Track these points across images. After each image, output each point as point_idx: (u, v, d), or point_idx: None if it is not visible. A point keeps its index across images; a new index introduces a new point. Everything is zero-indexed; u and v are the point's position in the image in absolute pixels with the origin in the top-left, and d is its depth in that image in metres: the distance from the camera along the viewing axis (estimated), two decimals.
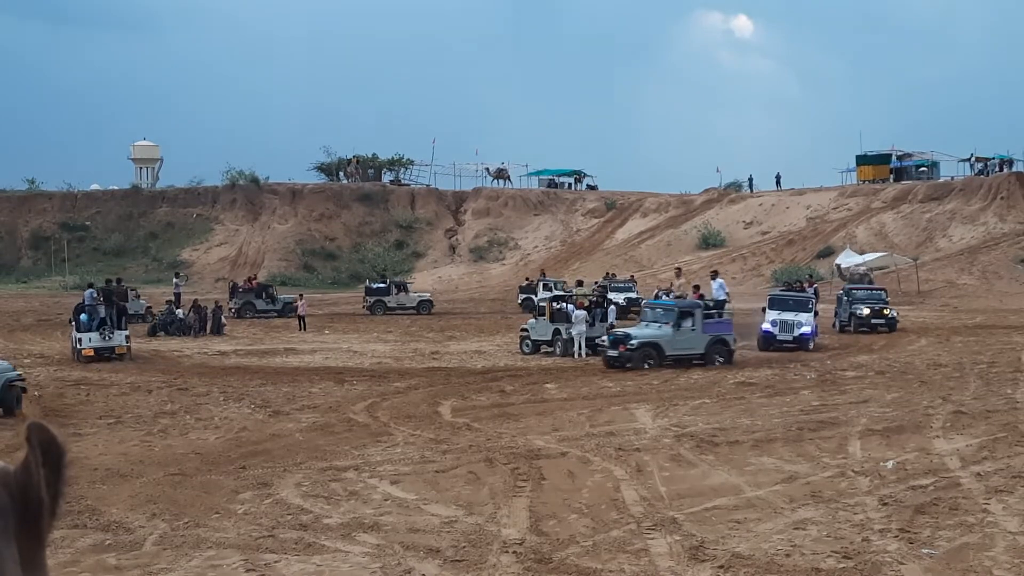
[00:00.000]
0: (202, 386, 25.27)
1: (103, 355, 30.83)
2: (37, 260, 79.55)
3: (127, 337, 32.16)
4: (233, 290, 52.55)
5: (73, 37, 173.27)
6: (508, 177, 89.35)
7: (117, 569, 11.09)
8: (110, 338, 31.33)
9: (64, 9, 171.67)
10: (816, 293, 40.70)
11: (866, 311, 38.93)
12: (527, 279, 59.85)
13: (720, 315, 29.83)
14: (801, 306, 34.28)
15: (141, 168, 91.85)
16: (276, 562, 11.36)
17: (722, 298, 31.01)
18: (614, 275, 55.97)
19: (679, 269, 42.95)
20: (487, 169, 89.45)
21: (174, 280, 52.70)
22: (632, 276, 56.85)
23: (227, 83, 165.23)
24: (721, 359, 29.03)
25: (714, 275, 34.26)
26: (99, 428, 19.70)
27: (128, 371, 28.44)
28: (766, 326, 33.38)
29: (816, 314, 34.77)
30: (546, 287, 49.27)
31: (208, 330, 39.99)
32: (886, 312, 39.28)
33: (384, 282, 55.25)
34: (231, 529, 12.58)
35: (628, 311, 42.84)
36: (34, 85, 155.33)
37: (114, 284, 43.17)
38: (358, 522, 12.83)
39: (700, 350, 28.87)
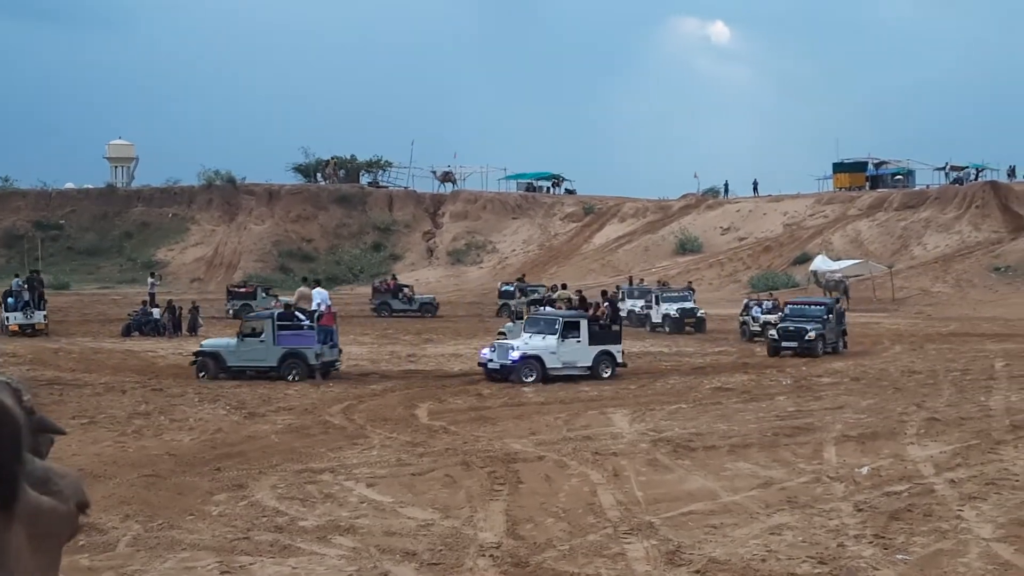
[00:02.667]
0: (177, 387, 25.14)
1: (25, 331, 37.84)
2: (11, 259, 78.77)
3: (45, 316, 39.26)
4: (375, 290, 54.63)
5: (48, 34, 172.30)
6: (454, 180, 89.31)
7: (91, 570, 11.01)
8: (31, 316, 38.56)
9: (39, 6, 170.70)
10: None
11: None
12: (505, 282, 58.05)
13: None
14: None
15: (116, 167, 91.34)
16: (251, 564, 11.30)
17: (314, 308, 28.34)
18: (666, 283, 51.88)
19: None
20: (433, 172, 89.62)
21: (149, 280, 52.40)
22: (690, 283, 52.67)
23: (204, 82, 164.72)
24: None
25: (317, 283, 32.74)
26: (72, 428, 19.51)
27: (101, 371, 28.27)
28: None
29: None
30: (523, 292, 48.79)
31: (184, 330, 39.78)
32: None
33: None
34: (206, 531, 12.51)
35: (683, 323, 42.43)
36: (8, 83, 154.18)
37: (37, 275, 44.94)
38: (334, 525, 12.78)
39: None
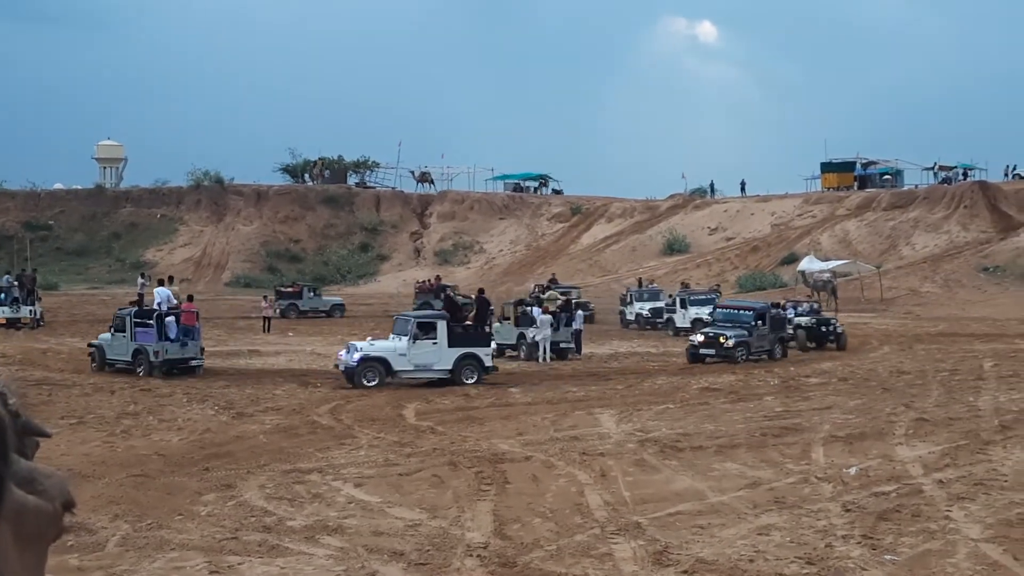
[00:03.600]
0: (165, 387, 25.10)
1: (13, 324, 40.27)
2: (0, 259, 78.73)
3: (31, 311, 41.60)
4: (419, 290, 54.62)
5: (36, 35, 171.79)
6: (432, 181, 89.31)
7: (79, 570, 10.98)
8: (18, 311, 40.98)
9: (26, 7, 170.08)
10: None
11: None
12: (537, 284, 53.33)
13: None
14: None
15: (105, 168, 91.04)
16: (239, 564, 11.28)
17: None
18: (687, 284, 51.29)
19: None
20: (412, 173, 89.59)
21: (139, 280, 52.26)
22: (718, 286, 51.95)
23: (192, 83, 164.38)
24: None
25: (160, 282, 33.04)
26: (61, 429, 19.43)
27: (90, 372, 28.21)
28: None
29: None
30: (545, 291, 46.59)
31: None
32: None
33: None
34: (194, 531, 12.50)
35: (652, 322, 42.53)
36: None
37: (28, 272, 47.18)
38: (322, 525, 12.77)
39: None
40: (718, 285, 53.36)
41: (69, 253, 78.14)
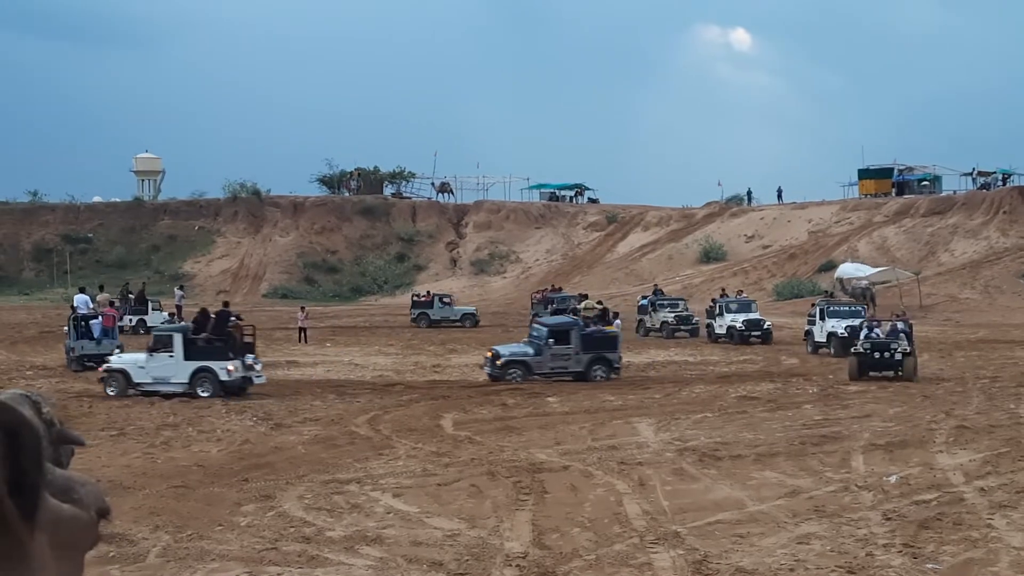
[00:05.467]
0: (204, 398, 25.21)
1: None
2: (39, 272, 79.56)
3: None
4: (538, 301, 54.10)
5: (76, 52, 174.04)
6: (451, 191, 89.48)
7: None
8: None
9: (67, 25, 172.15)
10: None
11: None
12: (643, 295, 51.51)
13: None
14: None
15: (143, 180, 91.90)
16: (279, 574, 11.34)
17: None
18: (725, 292, 49.95)
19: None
20: (432, 184, 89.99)
21: (176, 292, 52.73)
22: (741, 291, 50.98)
23: (229, 96, 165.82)
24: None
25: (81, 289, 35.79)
26: (102, 440, 19.64)
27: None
28: None
29: None
30: (655, 306, 45.87)
31: None
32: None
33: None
34: (234, 541, 12.57)
35: (747, 336, 40.04)
36: (37, 98, 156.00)
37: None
38: (361, 535, 12.81)
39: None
40: (740, 291, 52.72)
41: (108, 265, 78.81)
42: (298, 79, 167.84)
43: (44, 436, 1.58)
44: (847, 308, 38.55)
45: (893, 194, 78.79)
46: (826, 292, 49.47)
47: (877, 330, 29.75)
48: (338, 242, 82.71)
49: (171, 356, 25.52)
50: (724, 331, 41.03)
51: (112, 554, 11.90)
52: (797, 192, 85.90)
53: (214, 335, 25.98)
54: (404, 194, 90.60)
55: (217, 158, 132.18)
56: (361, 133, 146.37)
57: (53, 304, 64.88)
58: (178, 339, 25.75)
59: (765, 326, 40.66)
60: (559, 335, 29.07)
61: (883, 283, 57.87)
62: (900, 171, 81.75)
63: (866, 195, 79.87)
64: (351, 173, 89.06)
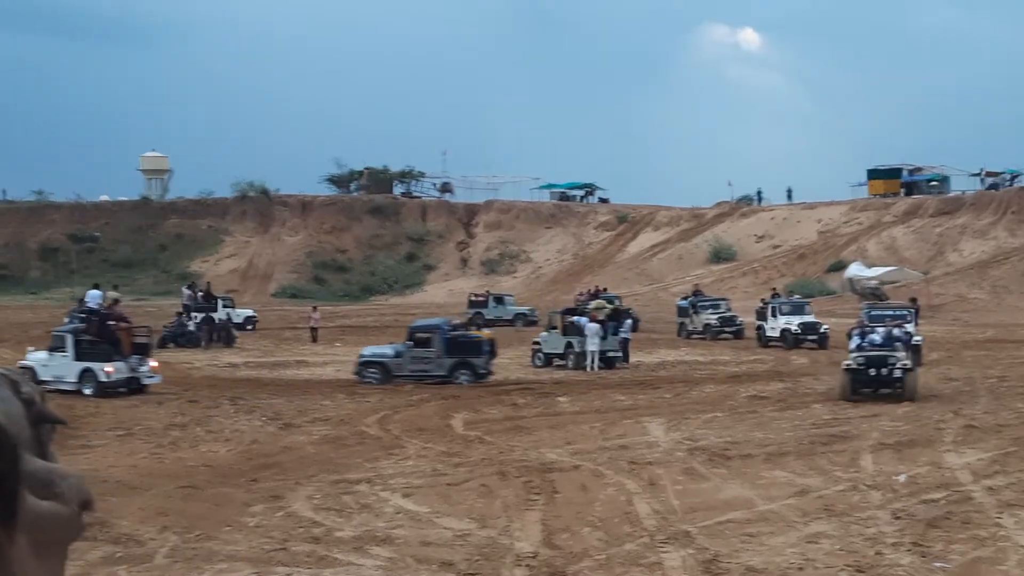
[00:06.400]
0: (212, 398, 25.27)
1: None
2: (46, 271, 79.68)
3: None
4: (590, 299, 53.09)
5: (82, 50, 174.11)
6: (452, 190, 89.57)
7: None
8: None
9: (73, 24, 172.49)
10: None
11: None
12: (683, 296, 50.46)
13: None
14: None
15: (151, 179, 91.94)
16: (288, 575, 11.34)
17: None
18: (777, 293, 47.08)
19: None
20: (434, 184, 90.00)
21: (184, 291, 52.77)
22: (792, 293, 49.03)
23: (237, 94, 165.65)
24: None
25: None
26: (109, 440, 19.71)
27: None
28: None
29: None
30: (696, 307, 44.72)
31: (217, 341, 39.91)
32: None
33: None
34: (243, 542, 12.57)
35: (802, 340, 37.67)
36: (43, 97, 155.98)
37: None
38: (370, 535, 12.81)
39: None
40: (791, 292, 51.73)
41: (115, 265, 78.93)
42: (307, 78, 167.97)
43: (24, 418, 1.55)
44: (793, 305, 40.33)
45: (902, 194, 78.71)
46: (773, 292, 48.50)
47: (873, 336, 25.64)
48: (347, 242, 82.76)
49: (64, 356, 26.45)
50: (777, 334, 38.78)
51: (119, 555, 11.92)
52: (807, 192, 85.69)
53: (97, 336, 26.78)
54: (414, 193, 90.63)
55: (225, 157, 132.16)
56: (370, 132, 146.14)
57: (59, 303, 64.97)
58: (70, 340, 26.72)
59: (822, 329, 38.13)
60: (421, 338, 28.74)
61: (892, 283, 57.78)
62: (909, 171, 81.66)
63: (875, 195, 79.77)
64: (360, 172, 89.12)
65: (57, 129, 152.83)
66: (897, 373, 23.92)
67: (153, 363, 26.94)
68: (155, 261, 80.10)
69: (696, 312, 44.11)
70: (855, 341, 25.23)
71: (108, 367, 25.81)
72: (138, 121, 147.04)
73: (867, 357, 24.24)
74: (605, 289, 55.50)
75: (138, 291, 73.72)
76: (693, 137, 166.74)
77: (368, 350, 30.02)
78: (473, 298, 55.19)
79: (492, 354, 29.19)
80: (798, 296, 47.24)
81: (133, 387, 26.16)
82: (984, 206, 70.23)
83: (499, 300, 54.27)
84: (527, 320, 51.82)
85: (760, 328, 39.95)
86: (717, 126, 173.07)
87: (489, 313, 52.14)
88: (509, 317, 52.04)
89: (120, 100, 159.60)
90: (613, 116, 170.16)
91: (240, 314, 49.06)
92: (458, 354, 28.47)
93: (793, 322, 38.54)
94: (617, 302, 47.44)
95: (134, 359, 26.44)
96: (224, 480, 16.11)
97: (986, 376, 28.17)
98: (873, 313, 32.17)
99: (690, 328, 43.93)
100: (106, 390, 25.53)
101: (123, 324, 27.74)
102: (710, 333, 42.77)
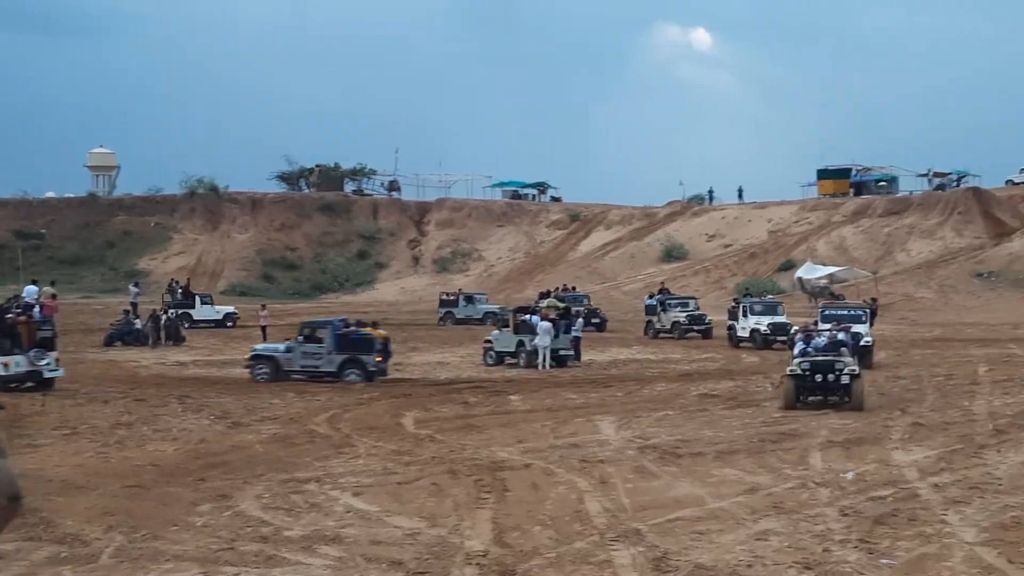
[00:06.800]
0: (160, 397, 25.01)
1: None
2: None
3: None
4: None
5: (28, 44, 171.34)
6: (399, 188, 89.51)
7: None
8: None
9: (18, 16, 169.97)
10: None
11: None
12: (650, 294, 50.25)
13: None
14: None
15: (98, 176, 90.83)
16: (236, 575, 11.23)
17: None
18: (749, 292, 47.99)
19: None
20: (382, 184, 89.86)
21: (131, 289, 52.24)
22: (764, 293, 49.00)
23: (186, 90, 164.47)
24: None
25: None
26: (54, 439, 19.43)
27: (84, 382, 28.14)
28: None
29: None
30: (664, 305, 44.55)
31: (164, 339, 39.51)
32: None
33: None
34: (190, 542, 12.43)
35: (772, 340, 36.78)
36: None
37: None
38: (319, 534, 12.72)
39: None
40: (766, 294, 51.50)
41: (62, 262, 77.90)
42: (257, 74, 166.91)
43: None
44: (764, 306, 39.53)
45: (851, 194, 79.49)
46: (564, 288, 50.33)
47: (819, 340, 24.44)
48: (298, 239, 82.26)
49: None
50: (747, 334, 38.52)
51: (64, 555, 11.75)
52: (757, 192, 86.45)
53: None
54: (365, 191, 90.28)
55: (174, 154, 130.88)
56: (322, 130, 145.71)
57: (4, 300, 64.02)
58: None
59: (791, 331, 36.50)
60: (311, 334, 28.82)
61: (842, 282, 58.37)
62: (858, 171, 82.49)
63: (825, 195, 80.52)
64: (311, 170, 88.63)
65: (2, 125, 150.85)
66: (844, 380, 22.67)
67: (55, 355, 26.58)
68: (102, 258, 79.15)
69: (664, 310, 43.86)
70: (799, 346, 24.04)
71: (6, 360, 25.61)
72: (85, 117, 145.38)
73: (812, 362, 22.96)
74: (574, 288, 55.79)
75: (85, 289, 72.85)
76: (645, 136, 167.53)
77: (260, 346, 30.36)
78: (444, 297, 55.05)
79: (387, 353, 29.12)
80: (771, 296, 47.02)
81: (36, 381, 25.91)
82: (931, 206, 71.10)
83: (469, 299, 54.11)
84: (498, 319, 51.60)
85: (732, 328, 39.75)
86: (669, 125, 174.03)
87: (460, 312, 52.13)
88: (479, 316, 51.76)
89: (67, 95, 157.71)
90: (566, 115, 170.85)
91: (220, 311, 49.34)
92: (348, 351, 28.33)
93: (763, 322, 38.33)
94: (586, 302, 47.76)
95: (33, 353, 26.09)
96: (171, 479, 15.93)
97: (933, 375, 28.50)
98: (827, 313, 32.02)
99: (658, 326, 43.57)
100: (8, 384, 25.20)
101: (22, 318, 27.51)
102: (678, 331, 42.54)
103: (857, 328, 28.64)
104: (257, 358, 28.92)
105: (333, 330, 28.72)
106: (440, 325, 51.08)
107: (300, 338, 28.93)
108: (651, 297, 47.40)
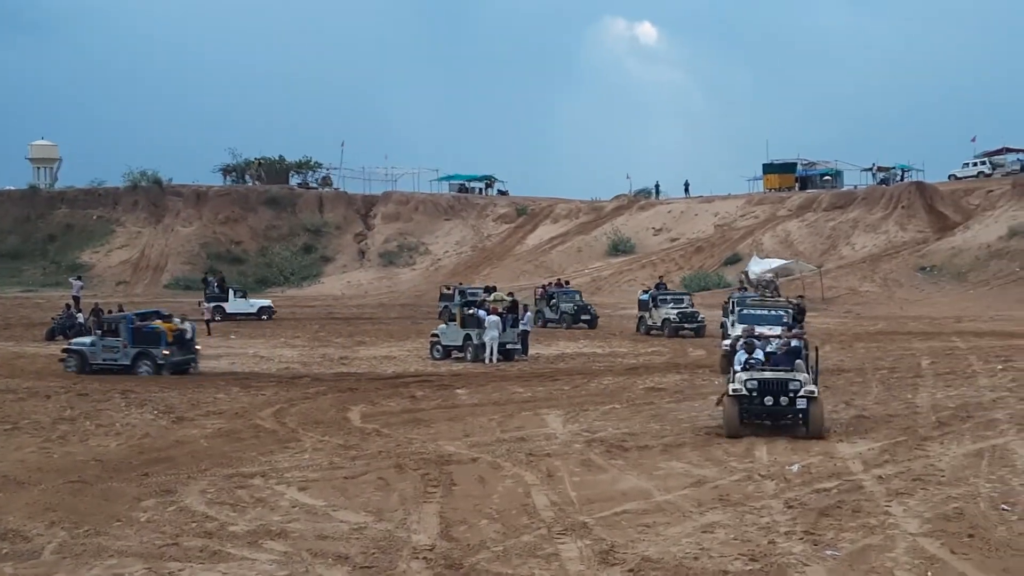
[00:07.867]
0: (103, 391, 24.71)
1: None
2: None
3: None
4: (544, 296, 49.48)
5: None
6: (331, 183, 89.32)
7: None
8: None
9: None
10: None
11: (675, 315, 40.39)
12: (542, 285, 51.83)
13: None
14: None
15: (39, 168, 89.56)
16: (180, 571, 11.14)
17: None
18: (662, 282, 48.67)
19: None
20: (315, 179, 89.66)
21: (74, 283, 51.55)
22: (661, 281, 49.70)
23: (129, 83, 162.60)
24: None
25: None
26: None
27: (25, 376, 27.80)
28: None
29: None
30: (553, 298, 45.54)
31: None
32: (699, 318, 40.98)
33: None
34: (133, 537, 12.31)
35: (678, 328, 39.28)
36: None
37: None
38: (265, 529, 12.64)
39: None
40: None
41: (2, 256, 76.74)
42: (202, 66, 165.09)
43: None
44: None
45: (796, 188, 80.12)
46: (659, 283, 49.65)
47: (766, 351, 19.92)
48: (243, 233, 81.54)
49: None
50: (659, 323, 40.57)
51: (5, 551, 11.60)
52: (704, 186, 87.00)
53: None
54: (311, 184, 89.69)
55: (116, 146, 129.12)
56: (268, 123, 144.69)
57: None
58: None
59: (699, 319, 40.34)
60: (110, 329, 29.59)
61: (787, 276, 58.81)
62: (803, 166, 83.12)
63: (770, 189, 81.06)
64: (255, 162, 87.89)
65: None
66: (800, 403, 18.41)
67: None
68: (44, 252, 77.98)
69: (656, 306, 41.81)
70: (741, 356, 19.70)
71: None
72: (27, 109, 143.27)
73: (760, 381, 18.57)
74: (568, 283, 55.45)
75: (26, 282, 71.82)
76: (592, 130, 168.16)
77: (76, 340, 30.83)
78: (444, 291, 54.27)
79: (189, 346, 29.61)
80: (757, 294, 46.19)
81: None
82: (875, 200, 71.80)
83: (463, 294, 53.61)
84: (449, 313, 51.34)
85: (641, 319, 41.60)
86: (616, 119, 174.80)
87: (455, 306, 51.47)
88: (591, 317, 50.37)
89: (8, 88, 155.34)
90: (513, 108, 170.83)
91: (255, 304, 48.68)
92: (141, 344, 28.95)
93: (672, 312, 39.93)
94: (577, 297, 47.43)
95: None
96: (114, 475, 15.76)
97: (877, 367, 28.80)
98: (745, 312, 29.41)
99: (649, 323, 41.68)
100: None
101: None
102: (669, 329, 40.09)
103: (769, 333, 23.82)
104: (68, 351, 29.56)
105: (127, 324, 29.29)
106: (440, 319, 50.50)
107: (99, 332, 29.91)
108: (645, 292, 45.41)
